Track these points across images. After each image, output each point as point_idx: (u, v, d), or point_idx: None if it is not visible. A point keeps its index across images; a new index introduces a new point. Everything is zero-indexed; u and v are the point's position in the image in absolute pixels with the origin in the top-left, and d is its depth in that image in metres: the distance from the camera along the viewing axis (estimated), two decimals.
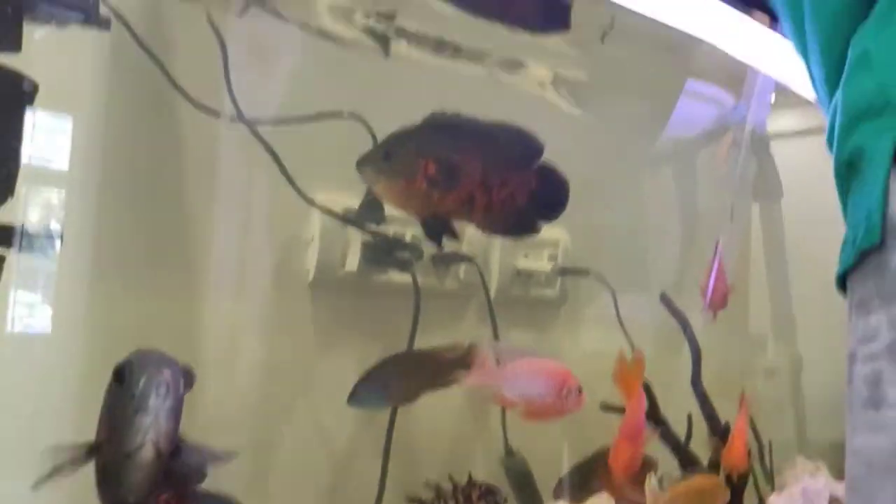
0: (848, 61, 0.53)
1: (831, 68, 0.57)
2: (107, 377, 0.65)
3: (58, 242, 0.80)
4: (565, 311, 1.35)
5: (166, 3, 0.94)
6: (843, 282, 0.55)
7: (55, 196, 0.83)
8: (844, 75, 0.53)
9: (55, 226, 0.82)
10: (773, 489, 1.24)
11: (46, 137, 0.79)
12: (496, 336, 1.20)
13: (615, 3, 1.03)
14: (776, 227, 1.49)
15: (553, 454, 1.18)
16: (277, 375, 1.06)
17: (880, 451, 0.49)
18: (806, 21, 0.60)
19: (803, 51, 0.62)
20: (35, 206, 0.80)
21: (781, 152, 1.46)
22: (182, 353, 0.69)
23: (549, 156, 1.28)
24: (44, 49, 0.71)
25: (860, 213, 0.52)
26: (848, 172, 0.54)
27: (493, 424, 1.19)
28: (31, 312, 0.85)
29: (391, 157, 0.89)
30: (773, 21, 1.07)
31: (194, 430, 0.95)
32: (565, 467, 1.15)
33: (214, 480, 0.96)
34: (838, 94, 0.54)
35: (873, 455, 0.50)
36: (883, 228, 0.49)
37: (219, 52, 0.95)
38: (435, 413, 1.15)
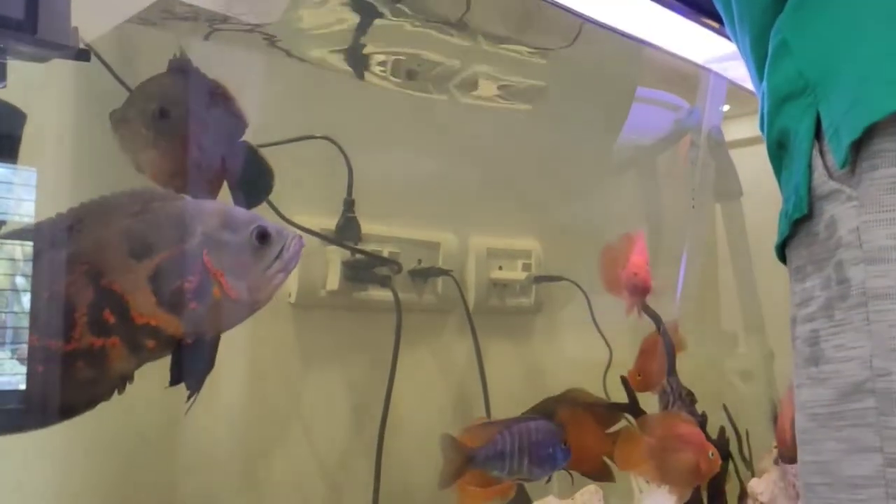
0: (770, 50, 0.58)
1: (760, 61, 0.62)
2: None
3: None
4: (541, 319, 1.39)
5: (137, 30, 0.96)
6: (782, 253, 0.60)
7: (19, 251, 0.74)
8: (767, 63, 0.58)
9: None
10: (753, 475, 1.28)
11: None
12: (477, 345, 1.23)
13: (573, 12, 1.07)
14: (738, 224, 1.54)
15: None
16: (264, 393, 1.09)
17: (823, 403, 0.53)
18: (737, 22, 0.65)
19: (742, 50, 0.67)
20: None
21: (739, 159, 1.52)
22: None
23: (515, 163, 1.33)
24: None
25: (790, 187, 0.56)
26: (778, 151, 0.59)
27: None
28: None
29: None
30: (722, 25, 1.13)
31: (181, 444, 0.98)
32: None
33: (207, 488, 0.99)
34: (764, 82, 0.59)
35: (817, 407, 0.54)
36: (809, 199, 0.54)
37: None
38: (423, 418, 1.18)
